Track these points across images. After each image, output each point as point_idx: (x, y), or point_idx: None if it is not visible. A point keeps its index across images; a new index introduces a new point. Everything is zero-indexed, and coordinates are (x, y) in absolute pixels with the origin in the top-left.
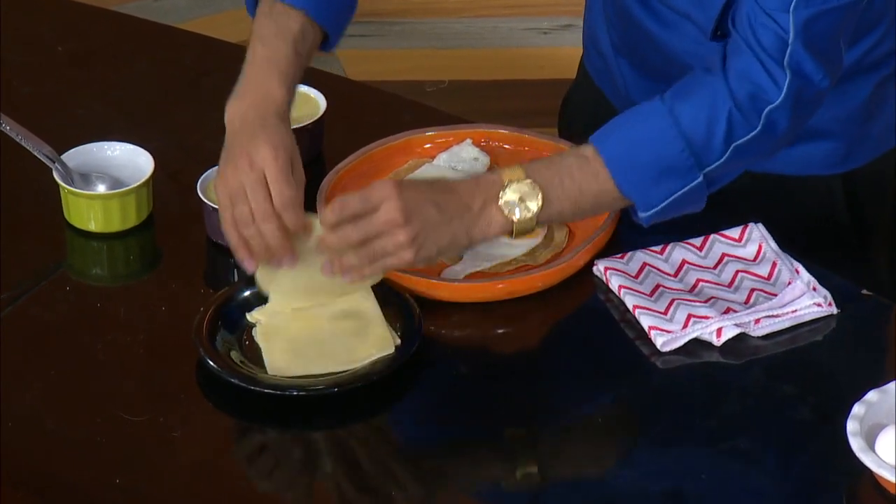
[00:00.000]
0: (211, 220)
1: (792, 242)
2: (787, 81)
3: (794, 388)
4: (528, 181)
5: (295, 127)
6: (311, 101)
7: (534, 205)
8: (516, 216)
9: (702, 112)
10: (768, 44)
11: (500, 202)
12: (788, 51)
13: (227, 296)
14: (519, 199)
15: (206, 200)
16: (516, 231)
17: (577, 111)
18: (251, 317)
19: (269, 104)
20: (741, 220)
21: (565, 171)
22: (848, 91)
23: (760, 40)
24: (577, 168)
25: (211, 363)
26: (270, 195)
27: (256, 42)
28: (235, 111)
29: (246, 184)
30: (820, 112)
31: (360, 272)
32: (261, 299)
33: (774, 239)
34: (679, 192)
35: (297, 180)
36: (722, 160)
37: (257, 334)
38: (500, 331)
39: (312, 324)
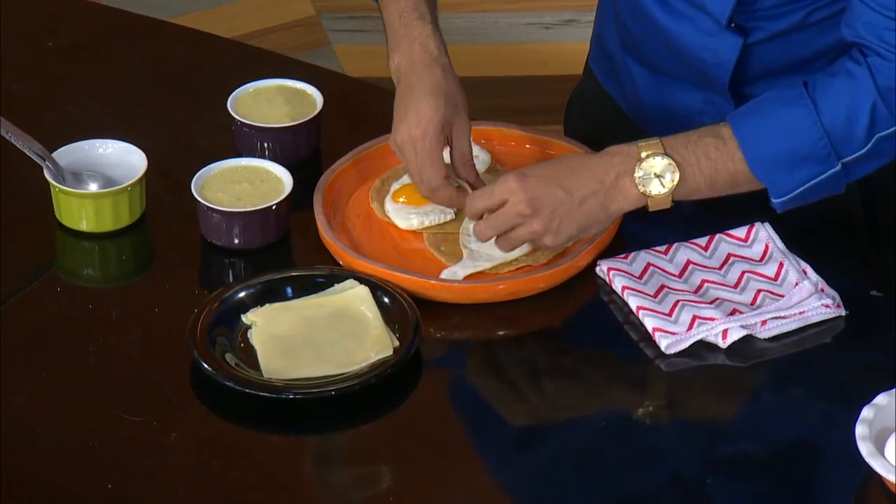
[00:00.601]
0: (205, 220)
1: (803, 241)
2: None
3: (802, 391)
4: (665, 156)
5: (291, 124)
6: (308, 98)
7: (669, 181)
8: (652, 191)
9: (844, 102)
10: None
11: (636, 175)
12: None
13: (221, 297)
14: (655, 174)
15: (200, 199)
16: (651, 206)
17: (582, 112)
18: (246, 318)
19: (419, 48)
20: (751, 219)
21: (702, 150)
22: None
23: (891, 43)
24: (713, 148)
25: (206, 366)
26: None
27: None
28: (395, 65)
29: (402, 143)
30: None
31: (493, 237)
32: (256, 300)
33: (782, 238)
34: (815, 181)
35: (458, 138)
36: (863, 151)
37: (252, 336)
38: (500, 333)
39: (309, 326)
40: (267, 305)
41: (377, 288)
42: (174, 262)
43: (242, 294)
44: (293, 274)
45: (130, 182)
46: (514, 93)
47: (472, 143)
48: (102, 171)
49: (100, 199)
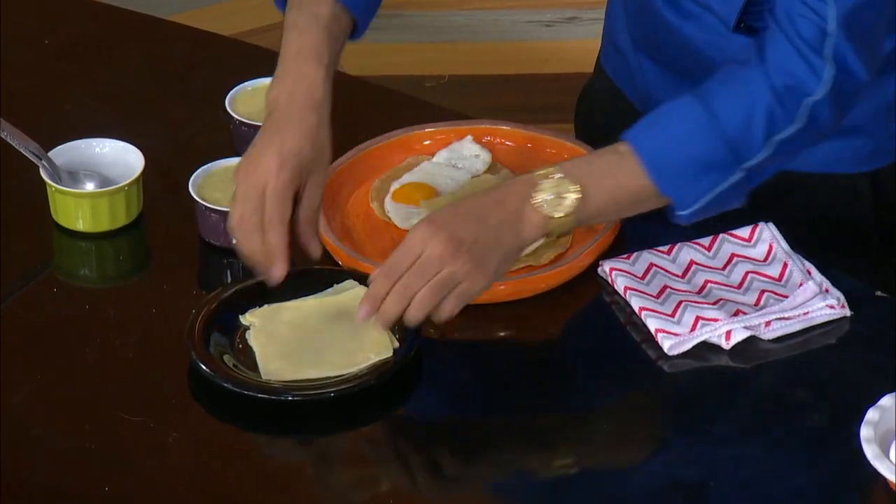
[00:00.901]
0: (204, 219)
1: (812, 242)
2: (827, 74)
3: (806, 392)
4: (563, 178)
5: None
6: None
7: (571, 202)
8: (554, 214)
9: (739, 106)
10: (808, 35)
11: (535, 200)
12: (830, 42)
13: (219, 297)
14: (555, 196)
15: (198, 199)
16: (554, 231)
17: (594, 109)
18: (245, 319)
19: (304, 88)
20: (755, 218)
21: (603, 168)
22: (876, 87)
23: (800, 32)
24: (614, 165)
25: (204, 367)
26: (260, 206)
27: (290, 31)
28: (273, 96)
29: (245, 187)
30: None
31: (437, 307)
32: (254, 301)
33: (788, 239)
34: (717, 190)
35: (311, 192)
36: (762, 156)
37: (251, 337)
38: (501, 334)
39: (308, 327)
40: (265, 306)
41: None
42: (172, 263)
43: (240, 295)
44: (292, 274)
45: (127, 181)
46: (514, 91)
47: (473, 142)
48: (99, 171)
49: (97, 199)
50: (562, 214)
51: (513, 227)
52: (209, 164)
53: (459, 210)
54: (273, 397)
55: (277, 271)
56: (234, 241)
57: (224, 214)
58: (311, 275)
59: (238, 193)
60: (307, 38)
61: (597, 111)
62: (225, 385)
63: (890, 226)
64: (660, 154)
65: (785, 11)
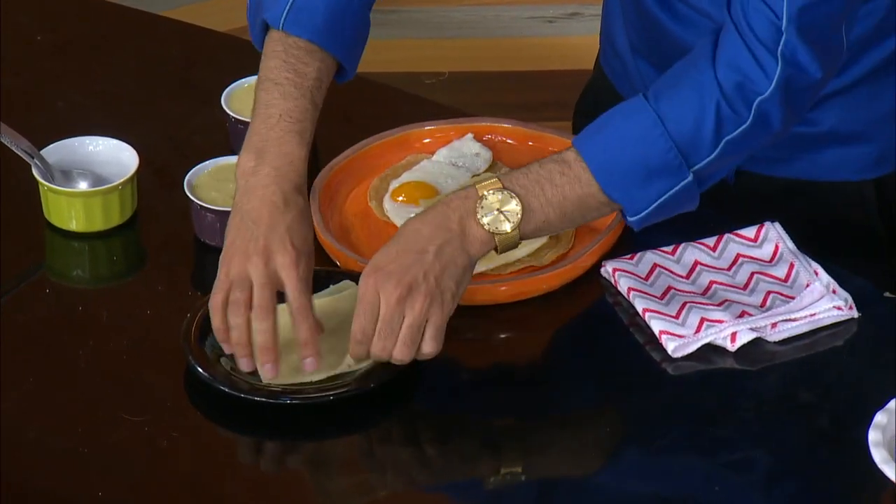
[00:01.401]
0: (199, 219)
1: (814, 242)
2: (777, 71)
3: (813, 396)
4: (504, 191)
5: None
6: None
7: (513, 215)
8: (499, 228)
9: (688, 107)
10: (760, 31)
11: (478, 216)
12: (782, 39)
13: None
14: (497, 210)
15: (193, 198)
16: (500, 246)
17: (593, 109)
18: None
19: (290, 172)
20: (760, 218)
21: (545, 178)
22: (879, 92)
23: (752, 27)
24: (558, 173)
25: (202, 371)
26: (274, 295)
27: (271, 88)
28: (252, 170)
29: (254, 277)
30: (850, 114)
31: (419, 349)
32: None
33: (792, 239)
34: (668, 194)
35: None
36: (712, 156)
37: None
38: (502, 336)
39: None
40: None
41: None
42: (167, 263)
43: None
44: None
45: (121, 180)
46: (515, 88)
47: (473, 140)
48: (93, 170)
49: (90, 198)
50: (507, 231)
51: (459, 247)
52: (205, 163)
53: (400, 248)
54: (271, 401)
55: (269, 370)
56: (218, 324)
57: (220, 214)
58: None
59: (228, 276)
60: (290, 104)
61: (595, 112)
62: (222, 389)
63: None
64: (606, 160)
65: (739, 5)
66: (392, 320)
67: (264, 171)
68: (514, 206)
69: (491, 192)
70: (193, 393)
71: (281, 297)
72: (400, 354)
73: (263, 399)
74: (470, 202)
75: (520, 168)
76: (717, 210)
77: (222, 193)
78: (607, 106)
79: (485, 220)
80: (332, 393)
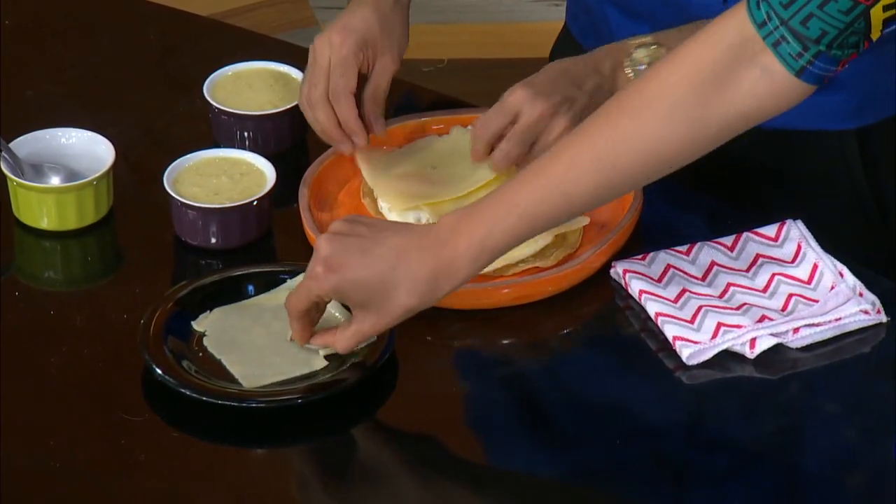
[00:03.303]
0: (180, 217)
1: (839, 241)
2: None
3: (838, 406)
4: (659, 46)
5: (275, 111)
6: (293, 82)
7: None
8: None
9: None
10: None
11: (626, 69)
12: None
13: (175, 297)
14: (647, 65)
15: (173, 194)
16: None
17: None
18: (197, 326)
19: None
20: (781, 215)
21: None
22: None
23: None
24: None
25: (158, 370)
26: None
27: None
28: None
29: (312, 62)
30: None
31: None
32: (204, 304)
33: (816, 237)
34: None
35: (378, 72)
36: None
37: (209, 347)
38: (505, 341)
39: (264, 326)
40: (216, 310)
41: None
42: (145, 264)
43: (195, 296)
44: (254, 271)
45: (96, 175)
46: (519, 76)
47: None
48: (65, 164)
49: (62, 195)
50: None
51: (608, 92)
52: (186, 157)
53: (554, 76)
54: (234, 404)
55: (359, 140)
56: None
57: (202, 211)
58: (259, 276)
59: (306, 70)
60: None
61: None
62: (184, 392)
63: (883, 187)
64: None
65: None
66: (527, 131)
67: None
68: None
69: (642, 46)
70: (172, 404)
71: (243, 296)
72: (509, 159)
73: (238, 404)
74: (621, 53)
75: (671, 29)
76: (729, 198)
77: (204, 189)
78: None
79: (631, 75)
80: (300, 396)
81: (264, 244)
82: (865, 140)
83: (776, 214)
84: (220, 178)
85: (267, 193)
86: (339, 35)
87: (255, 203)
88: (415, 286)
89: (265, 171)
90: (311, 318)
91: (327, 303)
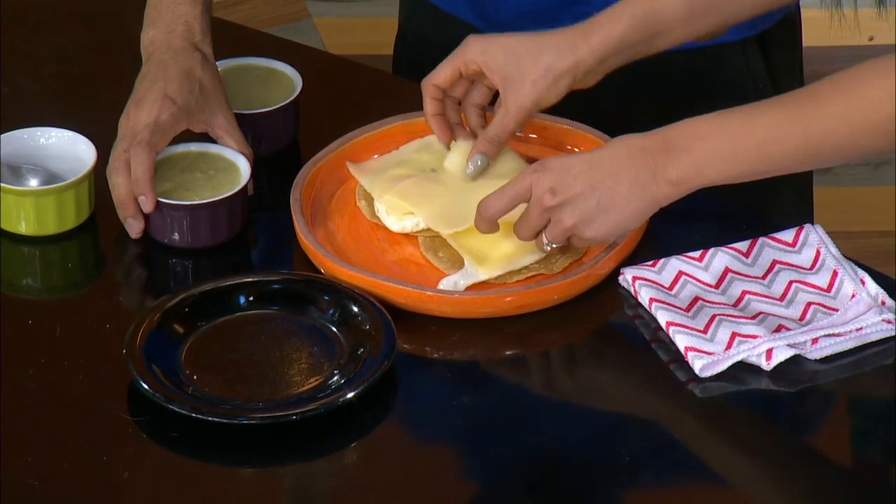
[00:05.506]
0: (155, 217)
1: (859, 247)
2: None
3: (858, 420)
4: None
5: (265, 109)
6: (285, 80)
7: None
8: None
9: None
10: None
11: None
12: None
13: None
14: None
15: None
16: None
17: (419, 49)
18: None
19: (182, 27)
20: (799, 220)
21: None
22: None
23: None
24: None
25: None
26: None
27: None
28: (148, 39)
29: (123, 131)
30: None
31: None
32: (189, 317)
33: (836, 243)
34: None
35: (222, 131)
36: None
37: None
38: (508, 352)
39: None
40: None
41: (344, 296)
42: (128, 271)
43: (183, 307)
44: (244, 281)
45: (77, 177)
46: None
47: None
48: (45, 165)
49: (41, 198)
50: None
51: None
52: (168, 153)
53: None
54: (225, 421)
55: (146, 204)
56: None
57: (171, 209)
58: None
59: (116, 141)
60: None
61: (422, 58)
62: (194, 416)
63: (787, 77)
64: None
65: None
66: (535, 222)
67: (158, 38)
68: None
69: None
70: (158, 420)
71: (234, 308)
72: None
73: (229, 421)
74: None
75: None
76: (744, 202)
77: (177, 183)
78: (437, 34)
79: None
80: (295, 412)
81: (257, 250)
82: (765, 44)
83: (784, 206)
84: (193, 173)
85: (239, 192)
86: (155, 104)
87: (227, 199)
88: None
89: (241, 168)
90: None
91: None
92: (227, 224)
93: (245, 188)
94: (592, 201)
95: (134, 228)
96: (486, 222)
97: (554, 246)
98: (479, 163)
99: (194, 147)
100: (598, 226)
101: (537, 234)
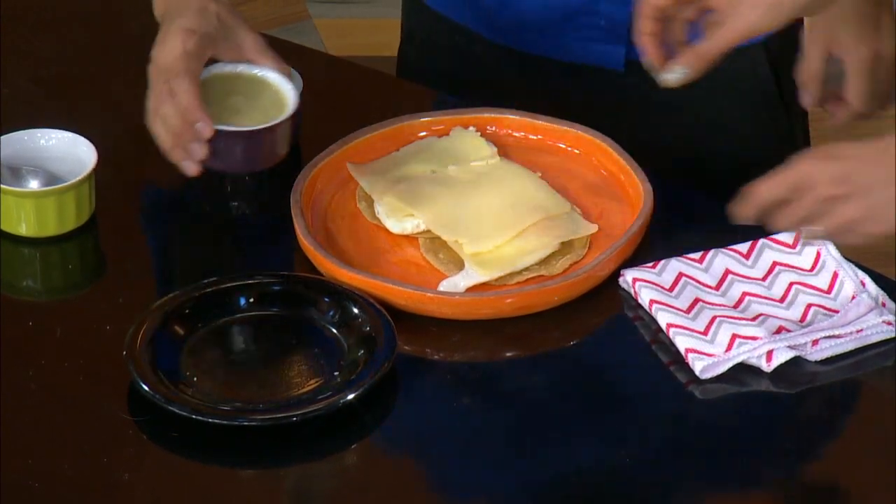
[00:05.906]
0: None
1: (860, 249)
2: None
3: (859, 422)
4: None
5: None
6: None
7: None
8: None
9: None
10: None
11: None
12: None
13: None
14: None
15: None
16: None
17: (425, 58)
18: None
19: None
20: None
21: None
22: None
23: None
24: None
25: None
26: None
27: None
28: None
29: (154, 74)
30: None
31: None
32: (190, 318)
33: (836, 245)
34: None
35: (251, 50)
36: None
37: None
38: (508, 354)
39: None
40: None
41: (344, 297)
42: (129, 272)
43: (184, 308)
44: (245, 283)
45: (77, 179)
46: None
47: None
48: (45, 166)
49: (42, 199)
50: None
51: None
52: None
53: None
54: (225, 422)
55: (205, 130)
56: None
57: (229, 135)
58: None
59: (151, 84)
60: None
61: (434, 57)
62: (193, 417)
63: (791, 82)
64: None
65: None
66: (807, 211)
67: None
68: None
69: None
70: (158, 421)
71: (234, 309)
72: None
73: (228, 422)
74: None
75: None
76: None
77: (219, 107)
78: (442, 42)
79: None
80: (295, 414)
81: (255, 252)
82: (772, 50)
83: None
84: (234, 96)
85: (296, 112)
86: (177, 38)
87: (285, 122)
88: None
89: (281, 87)
90: None
91: None
92: (286, 145)
93: (300, 108)
94: (884, 195)
95: (197, 154)
96: (756, 209)
97: (812, 241)
98: (679, 74)
99: (228, 68)
100: (888, 222)
101: (800, 224)
